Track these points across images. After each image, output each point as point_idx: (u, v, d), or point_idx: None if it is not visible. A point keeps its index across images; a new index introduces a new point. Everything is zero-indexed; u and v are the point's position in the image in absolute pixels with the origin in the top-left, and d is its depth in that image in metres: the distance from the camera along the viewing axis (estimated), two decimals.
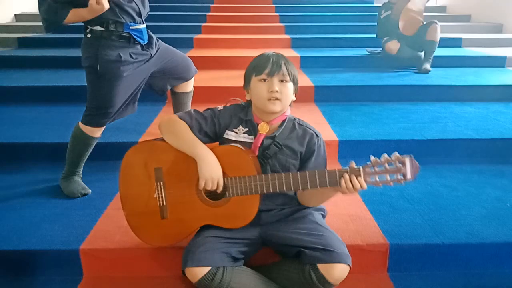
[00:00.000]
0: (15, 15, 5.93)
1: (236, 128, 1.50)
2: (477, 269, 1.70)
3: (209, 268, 1.37)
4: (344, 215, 1.84)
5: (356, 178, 1.32)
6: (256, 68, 1.45)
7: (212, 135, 1.51)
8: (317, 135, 1.52)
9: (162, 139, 1.47)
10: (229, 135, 1.50)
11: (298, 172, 1.37)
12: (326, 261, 1.37)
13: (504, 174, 2.32)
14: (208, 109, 1.54)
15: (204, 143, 1.46)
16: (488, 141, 2.53)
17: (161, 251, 1.64)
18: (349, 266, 1.39)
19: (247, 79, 1.50)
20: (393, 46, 3.94)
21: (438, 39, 3.81)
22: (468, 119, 2.88)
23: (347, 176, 1.32)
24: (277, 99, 1.42)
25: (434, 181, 2.21)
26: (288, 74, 1.43)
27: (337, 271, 1.37)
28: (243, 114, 1.51)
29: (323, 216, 1.61)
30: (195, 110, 1.52)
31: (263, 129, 1.46)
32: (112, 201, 1.98)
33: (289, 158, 1.48)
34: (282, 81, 1.43)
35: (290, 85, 1.45)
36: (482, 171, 2.35)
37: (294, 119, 1.53)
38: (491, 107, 3.20)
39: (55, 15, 1.82)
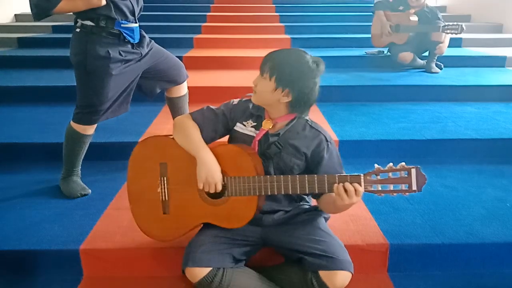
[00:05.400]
0: (15, 15, 5.93)
1: (246, 122, 1.50)
2: (477, 269, 1.70)
3: (210, 269, 1.37)
4: (344, 215, 1.84)
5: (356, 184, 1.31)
6: None
7: (225, 129, 1.53)
8: (327, 140, 1.47)
9: (171, 136, 1.50)
10: (238, 127, 1.51)
11: (298, 176, 1.37)
12: (328, 268, 1.37)
13: (504, 174, 2.32)
14: (223, 103, 1.55)
15: (218, 138, 1.51)
16: (488, 141, 2.53)
17: (161, 251, 1.64)
18: (351, 273, 1.39)
19: None
20: (408, 56, 3.90)
21: (443, 40, 3.81)
22: (468, 119, 2.88)
23: (343, 183, 1.31)
24: (254, 91, 1.44)
25: (434, 181, 2.21)
26: (267, 70, 1.38)
27: (339, 279, 1.36)
28: (255, 110, 1.50)
29: (326, 219, 1.60)
30: (208, 108, 1.53)
31: (266, 125, 1.46)
32: (112, 201, 1.98)
33: (293, 158, 1.46)
34: (262, 75, 1.41)
35: (265, 82, 1.39)
36: (482, 171, 2.35)
37: (307, 120, 1.50)
38: (491, 107, 3.20)
39: (47, 1, 1.78)
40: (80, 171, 2.10)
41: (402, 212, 1.90)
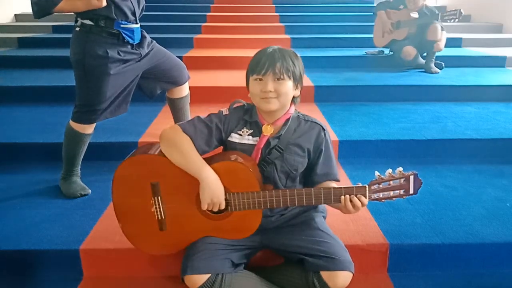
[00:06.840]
0: (15, 15, 5.93)
1: (241, 130, 1.46)
2: (477, 269, 1.70)
3: (208, 275, 1.36)
4: (344, 215, 1.82)
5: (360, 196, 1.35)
6: (251, 67, 1.41)
7: (219, 142, 1.48)
8: (323, 129, 1.49)
9: (159, 152, 1.41)
10: (234, 137, 1.46)
11: (304, 189, 1.36)
12: (330, 268, 1.37)
13: (504, 174, 2.32)
14: (212, 114, 1.48)
15: (211, 151, 1.46)
16: (488, 141, 2.53)
17: None
18: (352, 273, 1.39)
19: (247, 79, 1.46)
20: (412, 51, 3.87)
21: (439, 38, 3.80)
22: (468, 119, 2.88)
23: (348, 196, 1.35)
24: (271, 97, 1.38)
25: (434, 181, 2.20)
26: (285, 71, 1.36)
27: (341, 279, 1.36)
28: (248, 116, 1.47)
29: (324, 217, 1.59)
30: (198, 119, 1.46)
31: (267, 130, 1.43)
32: (112, 202, 1.97)
33: (296, 157, 1.44)
34: (278, 79, 1.37)
35: (287, 83, 1.38)
36: (482, 171, 2.35)
37: (298, 114, 1.49)
38: (491, 107, 3.20)
39: (47, 1, 1.77)
40: (80, 171, 2.10)
41: (402, 212, 1.89)
